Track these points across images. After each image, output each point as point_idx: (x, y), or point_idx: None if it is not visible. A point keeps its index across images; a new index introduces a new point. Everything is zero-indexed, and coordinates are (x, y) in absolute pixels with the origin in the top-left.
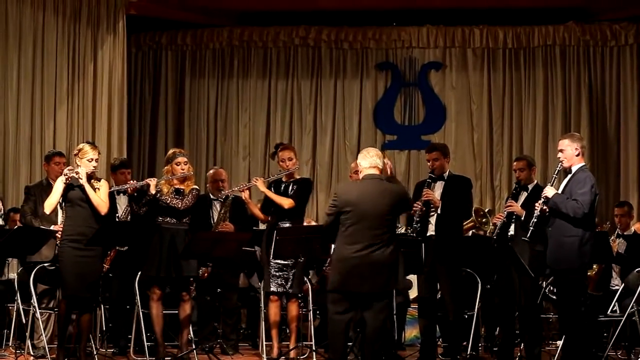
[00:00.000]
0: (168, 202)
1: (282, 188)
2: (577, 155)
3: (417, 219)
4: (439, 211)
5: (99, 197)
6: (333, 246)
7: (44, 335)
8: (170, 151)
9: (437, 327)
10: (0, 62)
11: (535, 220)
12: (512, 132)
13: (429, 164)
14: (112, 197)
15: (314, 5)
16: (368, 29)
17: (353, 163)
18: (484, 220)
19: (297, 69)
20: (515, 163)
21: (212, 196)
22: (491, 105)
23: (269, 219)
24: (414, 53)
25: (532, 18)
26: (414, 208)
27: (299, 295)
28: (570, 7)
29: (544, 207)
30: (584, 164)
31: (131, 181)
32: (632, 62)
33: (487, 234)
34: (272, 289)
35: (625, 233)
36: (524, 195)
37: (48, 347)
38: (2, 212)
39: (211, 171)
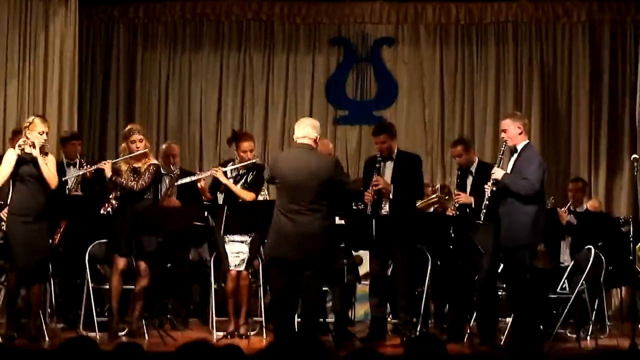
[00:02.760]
0: (124, 184)
1: (238, 175)
2: (520, 133)
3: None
4: (391, 196)
5: (50, 170)
6: None
7: None
8: (127, 128)
9: (387, 304)
10: None
11: (487, 202)
12: (463, 108)
13: (376, 146)
14: (61, 170)
15: None
16: (321, 4)
17: (324, 140)
18: (447, 197)
19: (249, 43)
20: (452, 150)
21: (163, 171)
22: (443, 82)
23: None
24: (367, 28)
25: None
26: (366, 198)
27: (250, 271)
28: None
29: (494, 189)
30: (527, 141)
31: (86, 166)
32: (584, 40)
33: (450, 211)
34: (230, 267)
35: (577, 209)
36: (470, 179)
37: None
38: None
39: (163, 146)
